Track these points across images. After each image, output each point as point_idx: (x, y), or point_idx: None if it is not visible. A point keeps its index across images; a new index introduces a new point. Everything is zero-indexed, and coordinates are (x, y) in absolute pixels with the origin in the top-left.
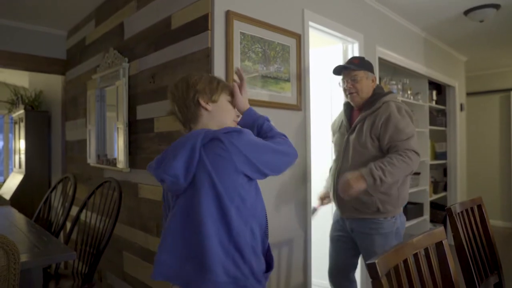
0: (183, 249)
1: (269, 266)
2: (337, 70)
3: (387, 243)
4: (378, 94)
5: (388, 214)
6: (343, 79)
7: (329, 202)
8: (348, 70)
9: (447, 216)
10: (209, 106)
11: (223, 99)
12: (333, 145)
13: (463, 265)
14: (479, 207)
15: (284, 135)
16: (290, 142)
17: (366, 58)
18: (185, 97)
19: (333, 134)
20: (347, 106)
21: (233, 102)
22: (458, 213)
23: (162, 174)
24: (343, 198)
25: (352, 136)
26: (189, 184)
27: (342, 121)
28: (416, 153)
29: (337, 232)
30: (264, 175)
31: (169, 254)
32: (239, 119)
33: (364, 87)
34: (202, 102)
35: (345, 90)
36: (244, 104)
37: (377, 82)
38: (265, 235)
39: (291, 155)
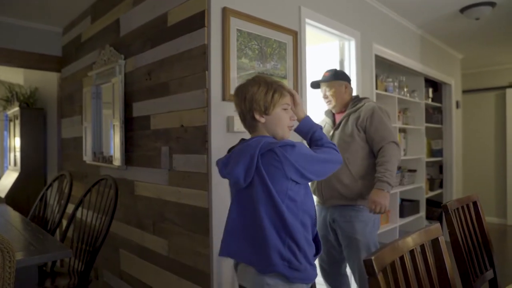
0: (243, 234)
1: (318, 250)
2: (314, 85)
3: (366, 230)
4: (358, 97)
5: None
6: (321, 90)
7: None
8: (322, 82)
9: (443, 213)
10: (263, 119)
11: (278, 109)
12: None
13: (459, 261)
14: (475, 204)
15: (333, 143)
16: (336, 149)
17: (340, 68)
18: (242, 108)
19: None
20: (329, 112)
21: (292, 106)
22: (454, 210)
23: (227, 175)
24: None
25: (338, 131)
26: (249, 184)
27: (325, 124)
28: (398, 145)
29: (323, 231)
30: (308, 180)
31: (231, 236)
32: (293, 123)
33: (337, 94)
34: (257, 116)
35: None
36: (302, 113)
37: (374, 80)
38: (313, 224)
39: (335, 162)
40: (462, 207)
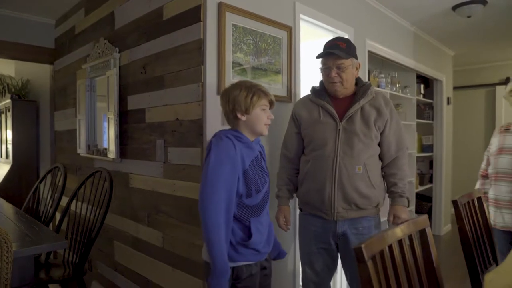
0: None
1: None
2: (323, 55)
3: None
4: (364, 82)
5: (379, 208)
6: (325, 64)
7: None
8: (335, 56)
9: (453, 208)
10: (244, 118)
11: (257, 110)
12: (309, 138)
13: (467, 255)
14: (479, 199)
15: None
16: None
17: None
18: (226, 109)
19: (309, 126)
20: (324, 93)
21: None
22: (464, 204)
23: None
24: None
25: (348, 126)
26: None
27: (319, 109)
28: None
29: (321, 244)
30: None
31: None
32: (270, 121)
33: (350, 76)
34: (239, 115)
35: (327, 77)
36: None
37: (367, 75)
38: None
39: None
40: (468, 202)
